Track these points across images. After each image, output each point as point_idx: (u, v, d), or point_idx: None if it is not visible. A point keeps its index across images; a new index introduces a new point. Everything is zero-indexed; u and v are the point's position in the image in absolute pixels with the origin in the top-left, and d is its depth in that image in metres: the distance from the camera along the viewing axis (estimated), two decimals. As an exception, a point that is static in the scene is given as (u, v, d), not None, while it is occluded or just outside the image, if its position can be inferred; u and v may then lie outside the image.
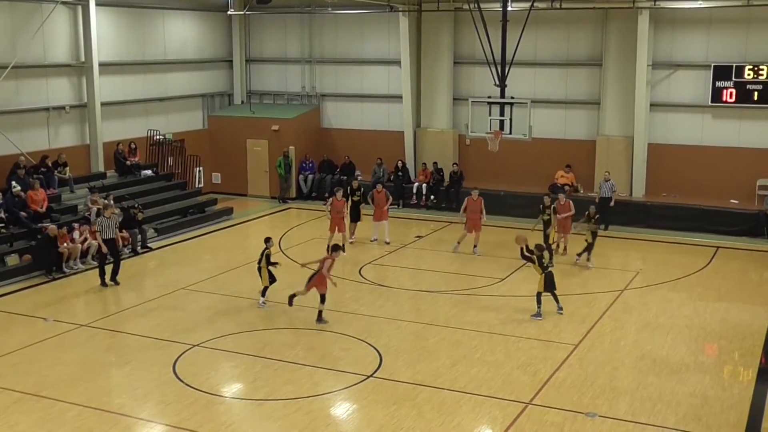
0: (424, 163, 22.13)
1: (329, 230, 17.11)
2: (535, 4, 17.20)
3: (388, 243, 17.66)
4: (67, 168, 18.48)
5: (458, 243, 17.09)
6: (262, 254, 13.55)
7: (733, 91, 19.13)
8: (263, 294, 13.55)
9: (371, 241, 17.80)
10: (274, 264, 13.58)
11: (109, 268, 14.81)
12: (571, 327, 12.75)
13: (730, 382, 10.78)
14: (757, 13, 18.74)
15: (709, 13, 19.29)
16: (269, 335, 12.40)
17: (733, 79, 19.08)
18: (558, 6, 19.14)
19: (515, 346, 11.90)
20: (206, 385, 10.46)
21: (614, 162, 20.25)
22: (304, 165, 23.23)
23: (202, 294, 14.49)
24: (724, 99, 19.27)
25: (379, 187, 18.00)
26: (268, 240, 13.68)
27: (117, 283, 14.78)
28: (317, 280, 12.71)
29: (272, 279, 13.51)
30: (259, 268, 13.56)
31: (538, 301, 13.13)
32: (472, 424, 9.52)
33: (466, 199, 17.19)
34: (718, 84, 19.24)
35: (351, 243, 17.40)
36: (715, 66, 19.23)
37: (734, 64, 19.05)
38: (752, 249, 17.77)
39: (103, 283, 14.71)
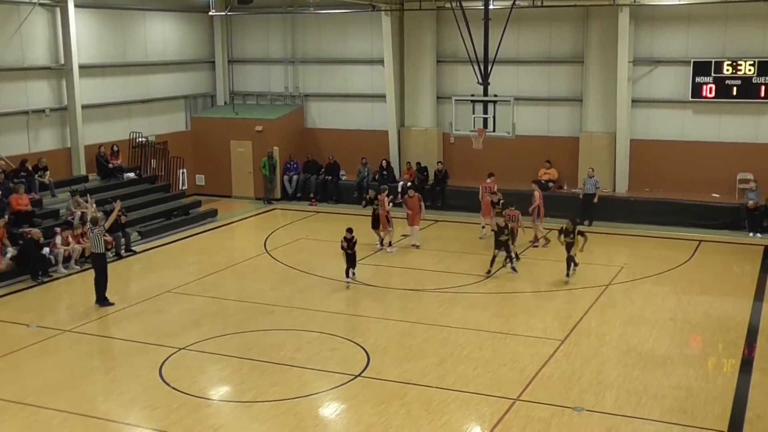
0: (408, 162, 22.16)
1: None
2: (516, 2, 17.30)
3: (417, 246, 17.38)
4: (47, 172, 18.28)
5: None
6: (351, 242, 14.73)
7: (713, 86, 19.31)
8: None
9: (412, 246, 17.47)
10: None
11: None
12: (557, 323, 12.84)
13: (714, 374, 10.90)
14: (734, 9, 18.94)
15: (688, 10, 19.47)
16: (256, 337, 12.36)
17: (713, 74, 19.26)
18: (539, 4, 19.24)
19: (502, 343, 11.95)
20: (193, 389, 10.41)
21: (597, 158, 20.39)
22: (288, 165, 23.16)
23: (188, 297, 14.41)
24: (704, 94, 19.45)
25: (411, 192, 17.79)
26: (351, 230, 14.87)
27: (110, 304, 13.82)
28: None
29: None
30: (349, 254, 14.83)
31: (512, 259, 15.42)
32: (460, 421, 9.55)
33: (535, 193, 17.63)
34: (698, 79, 19.42)
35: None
36: (694, 62, 19.42)
37: (713, 60, 19.25)
38: (734, 242, 17.97)
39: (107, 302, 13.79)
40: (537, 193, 17.65)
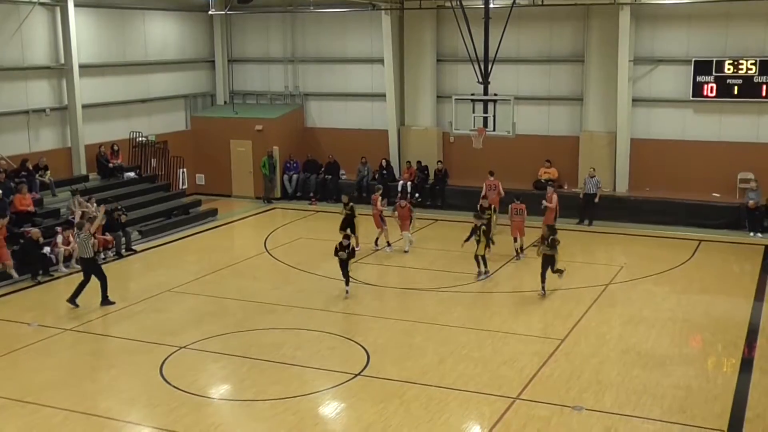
0: (409, 161, 22.16)
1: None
2: (517, 1, 17.29)
3: (406, 252, 17.23)
4: (48, 171, 18.29)
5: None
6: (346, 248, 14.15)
7: (714, 85, 19.31)
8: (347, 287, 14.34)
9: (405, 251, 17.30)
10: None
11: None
12: (557, 322, 12.84)
13: (713, 373, 10.90)
14: (736, 9, 18.94)
15: (690, 9, 19.47)
16: (256, 336, 12.37)
17: (714, 73, 19.26)
18: (540, 3, 19.24)
19: (502, 342, 11.96)
20: (194, 387, 10.42)
21: (597, 157, 20.39)
22: (288, 165, 23.17)
23: (188, 296, 14.42)
24: (704, 94, 19.45)
25: (403, 202, 17.65)
26: (348, 237, 14.50)
27: (112, 303, 13.76)
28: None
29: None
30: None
31: (477, 264, 15.17)
32: (460, 420, 9.56)
33: (550, 192, 17.48)
34: (699, 79, 19.41)
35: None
36: (695, 61, 19.42)
37: (714, 59, 19.24)
38: (734, 242, 17.96)
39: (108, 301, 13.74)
40: (555, 197, 17.41)
